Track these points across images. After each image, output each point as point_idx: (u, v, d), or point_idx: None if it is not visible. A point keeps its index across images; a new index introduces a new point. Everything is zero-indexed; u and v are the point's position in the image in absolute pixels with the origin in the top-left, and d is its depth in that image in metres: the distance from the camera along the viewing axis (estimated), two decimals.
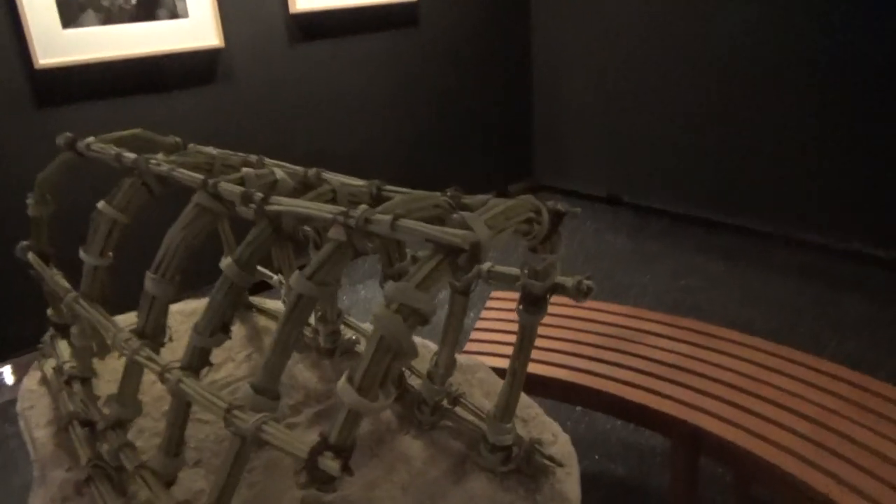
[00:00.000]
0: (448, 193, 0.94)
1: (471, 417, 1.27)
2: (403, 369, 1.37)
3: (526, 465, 1.17)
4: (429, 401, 1.29)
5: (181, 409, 1.02)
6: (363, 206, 0.82)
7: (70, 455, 1.30)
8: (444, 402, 1.30)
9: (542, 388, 2.55)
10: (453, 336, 1.20)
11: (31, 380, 1.55)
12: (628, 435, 2.97)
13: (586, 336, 2.73)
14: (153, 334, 1.09)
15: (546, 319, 2.84)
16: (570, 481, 1.18)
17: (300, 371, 1.50)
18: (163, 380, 0.96)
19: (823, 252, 4.05)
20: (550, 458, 1.17)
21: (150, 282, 1.07)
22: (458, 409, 1.30)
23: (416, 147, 4.53)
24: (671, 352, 2.57)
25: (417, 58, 4.40)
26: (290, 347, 0.86)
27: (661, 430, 2.36)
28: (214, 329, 0.97)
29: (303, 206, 0.89)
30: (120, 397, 1.16)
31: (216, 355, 1.59)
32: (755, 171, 4.15)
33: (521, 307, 1.03)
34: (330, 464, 0.71)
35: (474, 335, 2.81)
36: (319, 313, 1.49)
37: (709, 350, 2.55)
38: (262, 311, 1.73)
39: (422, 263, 0.73)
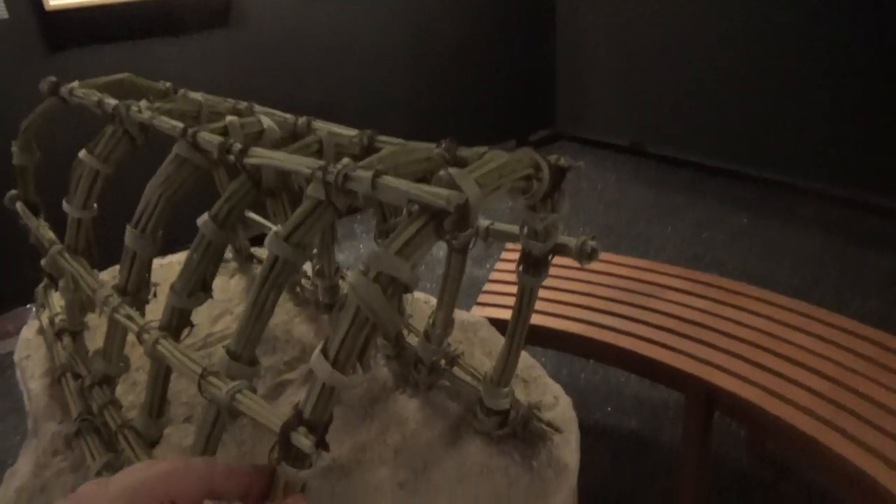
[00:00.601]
0: (442, 145, 0.86)
1: (468, 378, 1.22)
2: (402, 328, 1.32)
3: (522, 429, 1.12)
4: (425, 360, 1.24)
5: (160, 371, 0.98)
6: (344, 161, 0.75)
7: (62, 408, 1.28)
8: (442, 363, 1.25)
9: (556, 341, 2.51)
10: (451, 296, 1.14)
11: (30, 330, 1.53)
12: (642, 389, 2.94)
13: (603, 290, 2.66)
14: (135, 291, 1.05)
15: (562, 272, 2.78)
16: (568, 448, 1.14)
17: (296, 326, 1.46)
18: (140, 341, 0.92)
19: (850, 207, 3.91)
20: (549, 424, 1.12)
21: (130, 236, 1.02)
22: (455, 370, 1.25)
23: (434, 97, 4.41)
24: (689, 307, 2.51)
25: (436, 5, 4.23)
26: (268, 312, 0.80)
27: (675, 386, 2.32)
28: (193, 289, 0.92)
29: (281, 159, 0.82)
30: (105, 354, 1.12)
31: (214, 307, 1.56)
32: (782, 123, 3.98)
33: (520, 269, 0.96)
34: (303, 440, 0.67)
35: (488, 287, 2.76)
36: (317, 267, 1.44)
37: (728, 306, 2.48)
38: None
39: (403, 227, 0.66)
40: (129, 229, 1.02)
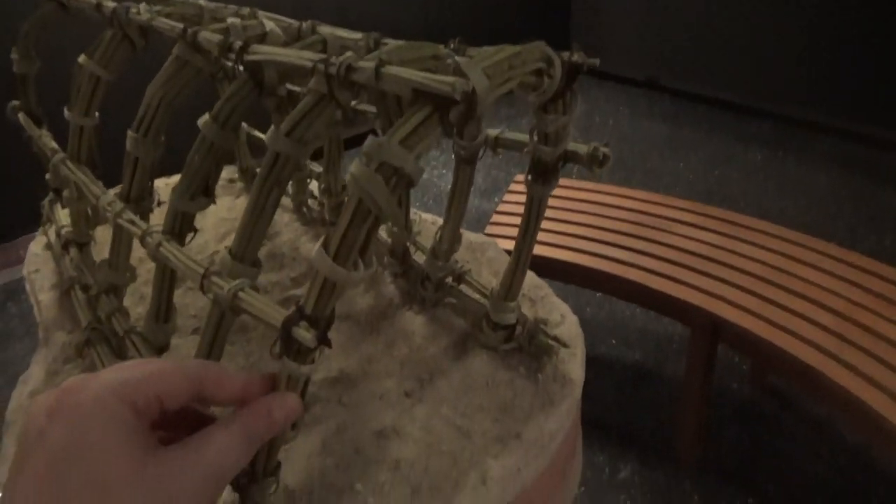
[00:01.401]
0: (452, 45, 0.82)
1: (475, 295, 1.21)
2: (408, 244, 1.30)
3: (529, 344, 1.12)
4: (433, 277, 1.23)
5: (165, 275, 0.97)
6: (347, 53, 0.72)
7: (72, 318, 1.28)
8: (449, 280, 1.24)
9: (563, 273, 2.49)
10: (458, 209, 1.11)
11: (37, 244, 1.52)
12: (648, 322, 2.94)
13: (611, 222, 2.63)
14: (138, 198, 1.03)
15: (570, 204, 2.74)
16: (574, 362, 1.13)
17: (303, 244, 1.44)
18: (143, 244, 0.91)
19: (869, 143, 3.81)
20: (555, 339, 1.11)
21: (131, 141, 0.99)
22: (462, 287, 1.24)
23: (444, 26, 4.28)
24: (698, 241, 2.48)
25: None
26: (269, 211, 0.78)
27: (681, 319, 2.31)
28: (195, 192, 0.90)
29: (282, 53, 0.78)
30: (111, 262, 1.11)
31: (220, 226, 1.54)
32: (801, 57, 3.85)
33: (529, 177, 0.93)
34: (304, 334, 0.65)
35: (495, 218, 2.74)
36: (323, 185, 1.41)
37: (737, 240, 2.45)
38: None
39: (407, 117, 0.64)
40: (129, 134, 1.00)
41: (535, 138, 0.87)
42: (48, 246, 1.48)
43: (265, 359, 1.19)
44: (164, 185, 1.73)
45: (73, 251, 1.29)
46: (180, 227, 0.92)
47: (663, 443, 2.33)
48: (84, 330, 1.19)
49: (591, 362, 2.71)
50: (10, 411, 1.13)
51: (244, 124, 1.62)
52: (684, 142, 4.05)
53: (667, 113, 4.37)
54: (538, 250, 2.33)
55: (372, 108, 1.20)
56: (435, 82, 0.62)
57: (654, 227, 2.56)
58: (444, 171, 3.88)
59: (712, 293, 2.18)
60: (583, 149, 0.87)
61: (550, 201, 2.60)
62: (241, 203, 1.62)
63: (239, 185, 1.69)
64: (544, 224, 2.42)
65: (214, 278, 0.78)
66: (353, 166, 0.64)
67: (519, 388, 1.08)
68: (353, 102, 1.07)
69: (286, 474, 0.98)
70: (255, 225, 0.78)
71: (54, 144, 1.22)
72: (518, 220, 2.61)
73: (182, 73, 0.97)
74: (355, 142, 3.73)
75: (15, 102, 1.36)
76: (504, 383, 1.09)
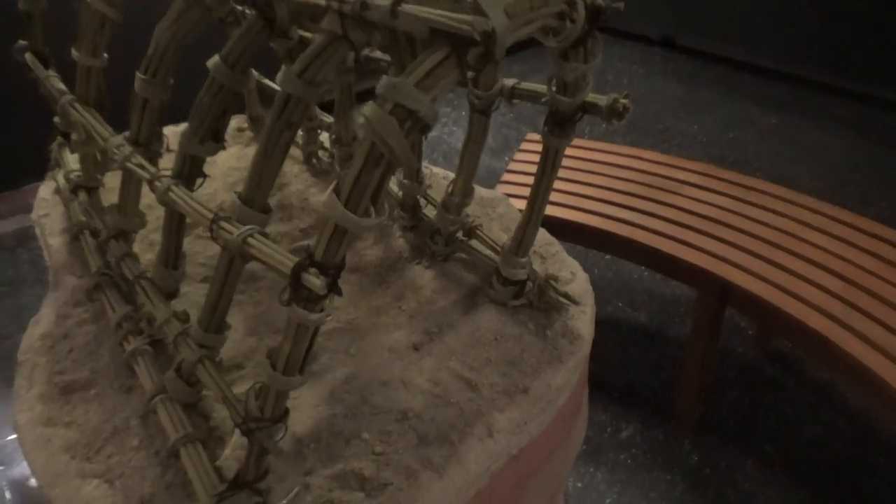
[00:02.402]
0: None
1: (486, 251, 1.19)
2: (418, 197, 1.28)
3: (538, 300, 1.10)
4: (443, 231, 1.21)
5: (174, 220, 0.96)
6: None
7: (82, 263, 1.27)
8: (459, 234, 1.22)
9: (571, 233, 2.47)
10: (471, 161, 1.09)
11: (46, 189, 1.50)
12: (655, 285, 2.92)
13: (621, 183, 2.59)
14: (147, 141, 1.01)
15: (578, 164, 2.70)
16: (583, 319, 1.12)
17: (313, 195, 1.42)
18: (152, 188, 0.89)
19: (885, 107, 3.73)
20: (565, 295, 1.09)
21: (139, 83, 0.97)
22: (473, 242, 1.22)
23: None
24: (708, 203, 2.44)
25: None
26: (279, 154, 0.76)
27: (688, 281, 2.29)
28: (204, 136, 0.87)
29: None
30: (120, 207, 1.10)
31: (229, 175, 1.52)
32: (820, 19, 3.74)
33: (546, 129, 0.91)
34: (314, 281, 0.64)
35: (506, 177, 2.70)
36: (334, 136, 1.38)
37: (747, 204, 2.41)
38: None
39: (423, 57, 0.61)
40: (138, 75, 0.97)
41: (554, 88, 0.84)
42: (57, 190, 1.46)
43: (274, 308, 1.18)
44: (172, 133, 1.70)
45: (81, 195, 1.27)
46: (189, 171, 0.90)
47: (665, 403, 2.34)
48: (94, 275, 1.18)
49: (597, 323, 2.70)
50: (22, 351, 1.13)
51: (254, 72, 1.59)
52: (699, 103, 3.98)
53: (682, 73, 4.28)
54: (546, 210, 2.31)
55: (386, 57, 1.17)
56: (453, 20, 0.59)
57: (664, 189, 2.52)
58: (454, 129, 3.83)
59: (720, 256, 2.16)
60: (602, 100, 0.84)
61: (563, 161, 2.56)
62: (250, 152, 1.59)
63: (248, 133, 1.66)
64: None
65: (224, 223, 0.76)
66: (365, 108, 0.61)
67: (527, 344, 1.07)
68: (366, 50, 1.04)
69: (294, 422, 0.98)
70: (265, 169, 0.76)
71: (62, 86, 1.19)
72: (529, 179, 2.57)
73: (191, 13, 0.94)
74: (368, 96, 3.68)
75: (22, 42, 1.33)
76: (512, 338, 1.08)
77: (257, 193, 0.77)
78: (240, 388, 1.02)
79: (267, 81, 1.59)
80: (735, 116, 3.84)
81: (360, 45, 0.71)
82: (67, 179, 1.33)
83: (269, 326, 1.14)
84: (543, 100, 0.89)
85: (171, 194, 0.85)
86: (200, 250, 1.29)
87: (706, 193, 2.52)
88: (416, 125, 0.61)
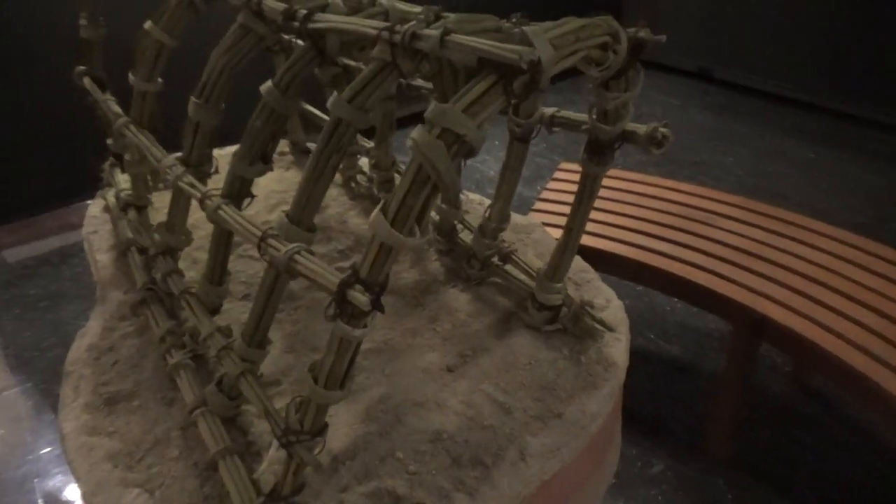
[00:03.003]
0: (513, 19, 0.82)
1: (521, 276, 1.20)
2: (455, 223, 1.31)
3: (573, 325, 1.11)
4: (479, 255, 1.23)
5: (222, 237, 0.99)
6: (411, 22, 0.72)
7: (128, 279, 1.32)
8: (495, 259, 1.24)
9: (603, 263, 2.46)
10: (508, 188, 1.11)
11: (95, 207, 1.57)
12: (689, 317, 2.90)
13: (656, 214, 2.59)
14: (198, 162, 1.05)
15: (612, 194, 2.72)
16: (618, 346, 1.12)
17: (351, 218, 1.46)
18: (203, 206, 0.93)
19: None
20: (600, 322, 1.10)
21: (193, 107, 1.01)
22: (508, 267, 1.24)
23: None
24: (743, 236, 2.43)
25: None
26: (328, 176, 0.79)
27: (722, 315, 2.27)
28: (254, 158, 0.91)
29: (347, 21, 0.79)
30: (169, 225, 1.14)
31: (271, 197, 1.57)
32: (857, 52, 3.72)
33: (585, 156, 0.93)
34: (359, 297, 0.66)
35: (538, 205, 2.72)
36: (373, 161, 1.42)
37: (784, 237, 2.39)
38: None
39: (471, 85, 0.64)
40: (192, 100, 1.02)
41: (594, 116, 0.86)
42: (106, 208, 1.52)
43: (311, 327, 1.20)
44: (218, 156, 1.76)
45: (131, 213, 1.32)
46: (238, 191, 0.94)
47: (698, 439, 2.30)
48: (139, 290, 1.22)
49: (635, 359, 2.69)
50: (69, 362, 1.17)
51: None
52: (735, 135, 3.97)
53: (718, 105, 4.28)
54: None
55: (427, 85, 1.20)
56: (502, 50, 0.61)
57: (699, 221, 2.51)
58: (486, 157, 3.88)
59: (756, 290, 2.14)
60: (641, 129, 0.86)
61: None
62: (291, 175, 1.64)
63: (289, 157, 1.71)
64: None
65: (271, 241, 0.79)
66: (414, 132, 0.64)
67: (561, 369, 1.08)
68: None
69: (330, 439, 0.99)
70: (314, 190, 0.79)
71: (118, 109, 1.25)
72: (561, 208, 2.59)
73: (245, 42, 0.99)
74: (407, 121, 3.73)
75: (81, 67, 1.40)
76: (547, 363, 1.09)
77: (304, 213, 0.80)
78: (278, 404, 1.05)
79: (309, 108, 1.65)
80: (771, 149, 3.82)
81: (408, 74, 0.74)
82: (118, 198, 1.38)
83: (306, 344, 1.16)
84: (584, 127, 0.92)
85: (220, 212, 0.89)
86: (242, 269, 1.33)
87: (742, 226, 2.51)
88: (463, 149, 0.63)
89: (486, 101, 0.63)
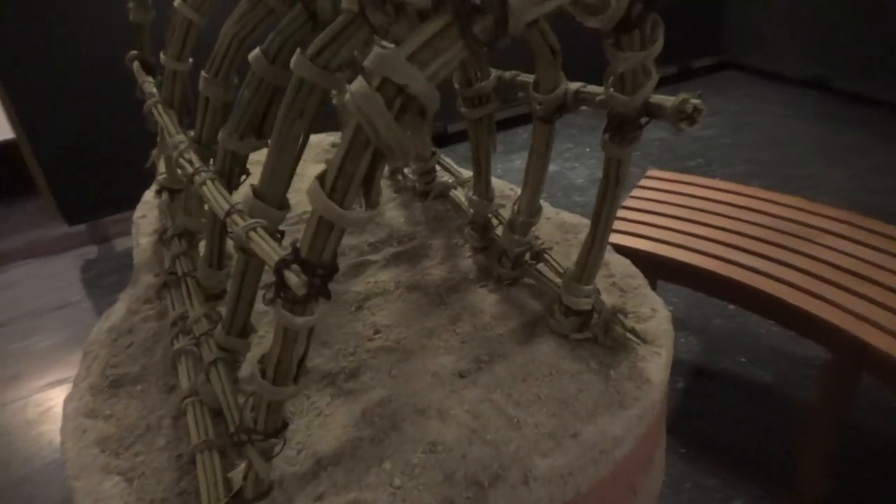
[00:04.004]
0: None
1: (553, 276, 1.06)
2: (490, 216, 1.18)
3: (604, 335, 0.96)
4: (509, 253, 1.10)
5: (217, 219, 0.92)
6: None
7: (161, 262, 1.29)
8: (527, 256, 1.10)
9: (691, 278, 2.24)
10: (536, 176, 0.97)
11: (150, 191, 1.56)
12: (782, 341, 2.60)
13: (750, 227, 2.34)
14: (209, 141, 0.99)
15: (704, 204, 2.48)
16: (656, 362, 0.95)
17: (388, 210, 1.36)
18: (192, 182, 0.86)
19: None
20: (633, 331, 0.94)
21: (202, 82, 0.95)
22: (540, 266, 1.09)
23: None
24: (849, 255, 2.13)
25: None
26: (292, 145, 0.70)
27: (820, 340, 2.00)
28: (244, 131, 0.83)
29: None
30: (185, 207, 1.09)
31: None
32: None
33: (606, 136, 0.78)
34: (292, 278, 0.56)
35: (622, 213, 2.53)
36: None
37: (893, 256, 2.08)
38: None
39: (421, 27, 0.52)
40: (202, 75, 0.96)
41: (611, 85, 0.71)
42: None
43: (327, 318, 1.11)
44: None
45: (164, 197, 1.29)
46: (230, 167, 0.86)
47: (785, 475, 2.03)
48: (162, 273, 1.18)
49: (714, 377, 2.43)
50: (88, 342, 1.14)
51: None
52: (847, 148, 3.56)
53: (829, 115, 3.87)
54: (664, 251, 2.12)
55: (530, 79, 1.07)
56: None
57: (799, 237, 2.24)
58: (575, 165, 3.69)
59: (860, 315, 1.86)
60: (668, 101, 0.70)
61: (683, 199, 2.35)
62: None
63: None
64: (672, 223, 2.20)
65: (235, 216, 0.71)
66: (353, 84, 0.53)
67: (585, 383, 0.93)
68: (510, 73, 0.95)
69: (319, 439, 0.90)
70: (278, 161, 0.70)
71: (153, 90, 1.22)
72: (646, 217, 2.39)
73: (254, 13, 0.91)
74: (509, 124, 3.62)
75: (133, 52, 1.39)
76: (569, 375, 0.94)
77: (269, 187, 0.71)
78: None
79: None
80: (888, 164, 3.40)
81: (379, 27, 0.63)
82: (156, 182, 1.36)
83: (317, 338, 1.07)
84: (599, 98, 0.77)
85: (203, 188, 0.81)
86: None
87: (847, 244, 2.21)
88: (409, 105, 0.52)
89: (437, 46, 0.51)
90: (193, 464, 0.87)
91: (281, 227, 1.16)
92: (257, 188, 0.72)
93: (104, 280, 3.02)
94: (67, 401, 1.02)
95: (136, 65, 1.35)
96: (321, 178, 0.55)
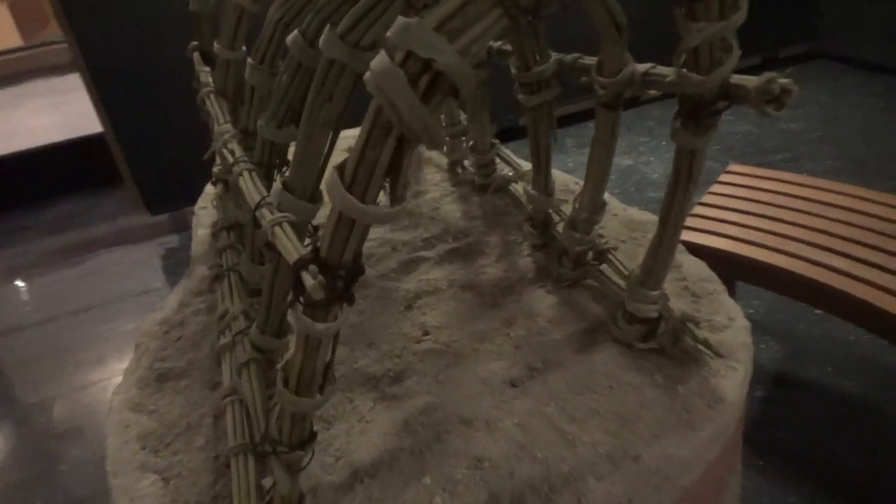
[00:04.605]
0: None
1: (617, 279, 0.96)
2: (551, 211, 1.09)
3: (672, 345, 0.85)
4: (570, 252, 1.00)
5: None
6: None
7: (216, 254, 1.26)
8: (589, 256, 1.00)
9: (775, 280, 2.06)
10: (599, 169, 0.87)
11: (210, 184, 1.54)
12: (876, 351, 2.37)
13: (839, 227, 2.13)
14: (255, 131, 0.94)
15: (791, 202, 2.28)
16: (732, 378, 0.84)
17: (445, 204, 1.29)
18: (231, 172, 0.81)
19: None
20: (705, 343, 0.83)
21: (248, 69, 0.90)
22: (603, 267, 0.99)
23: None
24: None
25: None
26: (322, 132, 0.63)
27: None
28: (282, 119, 0.77)
29: None
30: (234, 199, 1.05)
31: None
32: None
33: (677, 123, 0.68)
34: (308, 280, 0.49)
35: (697, 210, 2.37)
36: (471, 142, 1.24)
37: None
38: None
39: None
40: (248, 61, 0.91)
41: (682, 63, 0.61)
42: None
43: (374, 319, 1.05)
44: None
45: (219, 188, 1.26)
46: (269, 157, 0.80)
47: (874, 495, 1.84)
48: (214, 266, 1.15)
49: (800, 386, 2.24)
50: (140, 334, 1.12)
51: None
52: None
53: None
54: (745, 250, 1.96)
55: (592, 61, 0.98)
56: None
57: (894, 237, 2.03)
58: (651, 159, 3.51)
59: None
60: (751, 81, 0.59)
61: (767, 196, 2.17)
62: None
63: None
64: (755, 221, 2.05)
65: (264, 210, 0.65)
66: (373, 60, 0.45)
67: (649, 399, 0.83)
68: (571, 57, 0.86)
69: (359, 447, 0.84)
70: (306, 150, 0.63)
71: (208, 79, 1.18)
72: (723, 214, 2.22)
73: None
74: (572, 119, 3.49)
75: (195, 43, 1.37)
76: (631, 389, 0.84)
77: (299, 179, 0.64)
78: None
79: None
80: None
81: (416, 0, 0.56)
82: (213, 173, 1.33)
83: (364, 338, 1.01)
84: (668, 79, 0.67)
85: (240, 179, 0.76)
86: None
87: None
88: (438, 84, 0.44)
89: (470, 13, 0.43)
90: (229, 466, 0.82)
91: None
92: (287, 180, 0.66)
93: (183, 268, 3.08)
94: (115, 393, 1.00)
95: (196, 55, 1.32)
96: (340, 169, 0.48)
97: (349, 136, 1.67)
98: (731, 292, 2.25)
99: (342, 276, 0.51)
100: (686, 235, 2.05)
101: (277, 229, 0.59)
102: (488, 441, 0.81)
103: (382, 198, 0.50)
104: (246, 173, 0.77)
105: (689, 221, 2.28)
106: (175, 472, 0.85)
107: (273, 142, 0.79)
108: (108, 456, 0.90)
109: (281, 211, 0.63)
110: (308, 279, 0.49)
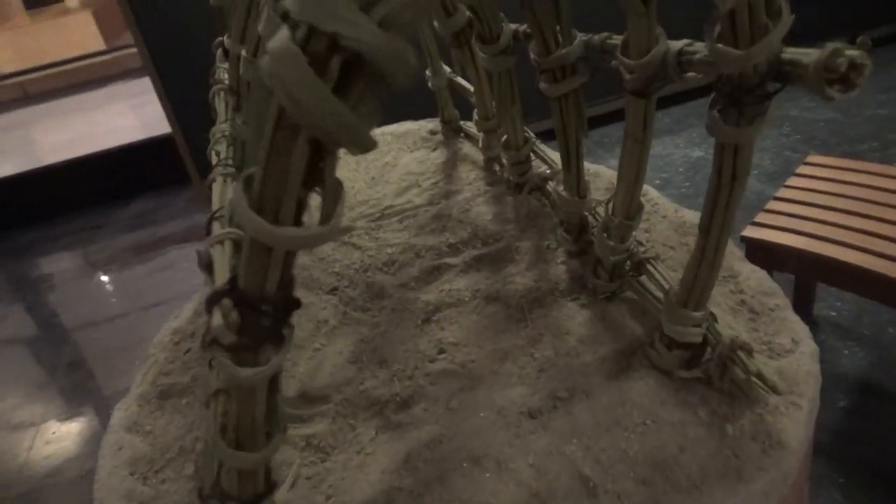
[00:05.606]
0: None
1: (658, 292, 0.81)
2: (587, 214, 0.94)
3: (720, 377, 0.70)
4: (605, 262, 0.86)
5: None
6: None
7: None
8: (627, 266, 0.86)
9: (857, 281, 1.83)
10: (631, 167, 0.73)
11: None
12: None
13: None
14: None
15: (874, 195, 2.01)
16: (792, 416, 0.68)
17: (476, 206, 1.16)
18: (214, 173, 0.72)
19: None
20: (758, 376, 0.68)
21: (243, 64, 0.81)
22: (644, 279, 0.85)
23: None
24: None
25: None
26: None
27: None
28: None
29: None
30: None
31: (404, 180, 1.33)
32: None
33: (715, 112, 0.53)
34: (216, 318, 0.39)
35: (771, 205, 2.13)
36: (504, 138, 1.11)
37: None
38: (469, 137, 1.40)
39: None
40: (242, 56, 0.81)
41: (715, 35, 0.46)
42: None
43: (389, 334, 0.94)
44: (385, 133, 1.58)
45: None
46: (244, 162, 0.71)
47: None
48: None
49: (884, 397, 1.99)
50: (152, 344, 1.06)
51: (447, 69, 1.38)
52: None
53: None
54: (826, 249, 1.74)
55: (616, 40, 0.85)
56: None
57: None
58: (710, 149, 3.25)
59: None
60: (810, 56, 0.44)
61: (851, 189, 1.92)
62: (435, 156, 1.39)
63: (438, 138, 1.46)
64: (837, 217, 1.82)
65: (216, 223, 0.55)
66: (272, 40, 0.34)
67: (691, 440, 0.69)
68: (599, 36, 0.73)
69: (352, 486, 0.74)
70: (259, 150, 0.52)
71: (223, 76, 1.10)
72: (798, 209, 1.99)
73: None
74: (603, 119, 3.26)
75: (220, 39, 1.30)
76: (670, 427, 0.70)
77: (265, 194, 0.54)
78: (314, 429, 0.82)
79: (460, 81, 1.38)
80: None
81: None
82: None
83: (375, 356, 0.91)
84: (698, 56, 0.52)
85: (214, 185, 0.67)
86: (339, 258, 1.11)
87: None
88: (358, 69, 0.32)
89: None
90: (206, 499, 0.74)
91: (360, 224, 1.00)
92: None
93: None
94: (117, 409, 0.94)
95: (219, 52, 1.25)
96: (246, 182, 0.37)
97: None
98: (812, 294, 2.01)
99: (267, 311, 0.40)
100: (759, 233, 1.84)
101: (217, 248, 0.49)
102: (497, 485, 0.69)
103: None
104: (220, 178, 0.67)
105: (763, 218, 2.06)
106: (160, 503, 0.77)
107: (246, 143, 0.70)
108: (96, 481, 0.83)
109: (232, 225, 0.53)
110: (215, 318, 0.39)
